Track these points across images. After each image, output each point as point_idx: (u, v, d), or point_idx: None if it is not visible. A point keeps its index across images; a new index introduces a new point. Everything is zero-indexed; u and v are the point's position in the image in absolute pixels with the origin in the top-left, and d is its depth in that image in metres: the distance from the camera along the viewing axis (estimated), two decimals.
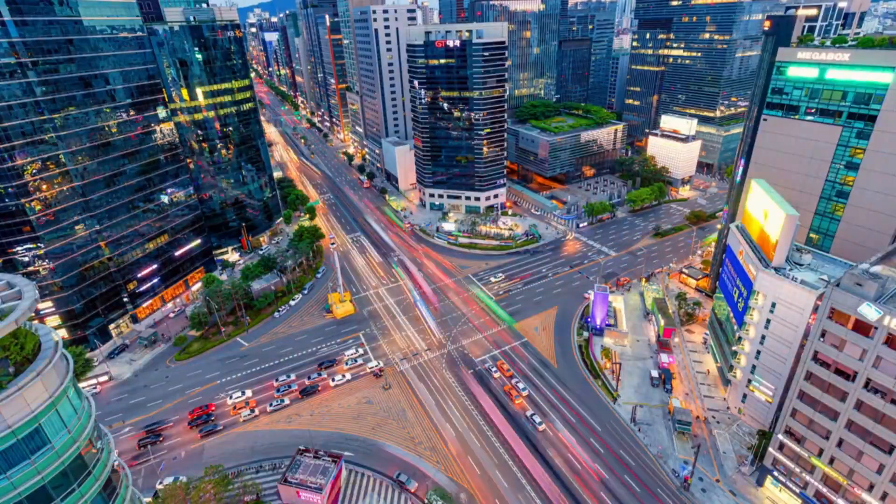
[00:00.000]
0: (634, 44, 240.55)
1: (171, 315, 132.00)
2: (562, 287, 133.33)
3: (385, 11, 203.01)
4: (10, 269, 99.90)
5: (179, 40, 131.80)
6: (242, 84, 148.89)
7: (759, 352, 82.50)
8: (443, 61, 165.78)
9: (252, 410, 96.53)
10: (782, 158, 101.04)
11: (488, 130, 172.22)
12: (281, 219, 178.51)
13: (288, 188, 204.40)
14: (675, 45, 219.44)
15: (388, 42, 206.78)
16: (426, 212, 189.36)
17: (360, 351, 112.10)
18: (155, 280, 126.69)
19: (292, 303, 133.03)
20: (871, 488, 62.11)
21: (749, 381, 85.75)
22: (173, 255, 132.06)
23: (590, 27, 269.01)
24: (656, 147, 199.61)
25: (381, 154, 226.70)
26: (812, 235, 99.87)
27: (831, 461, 66.13)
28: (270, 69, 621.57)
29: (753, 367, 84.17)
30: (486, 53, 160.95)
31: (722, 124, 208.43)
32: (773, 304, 77.81)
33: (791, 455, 71.71)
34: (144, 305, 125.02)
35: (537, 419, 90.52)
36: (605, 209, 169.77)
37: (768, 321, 79.28)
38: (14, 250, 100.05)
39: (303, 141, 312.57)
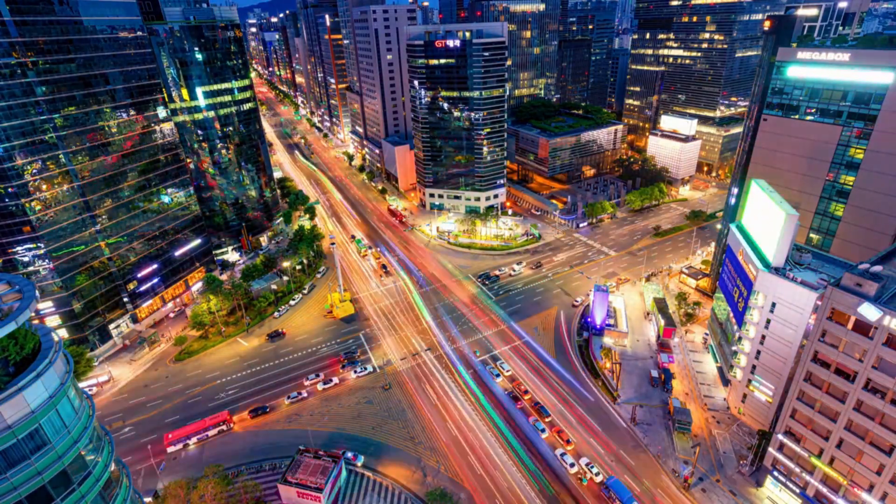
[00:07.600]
0: (634, 44, 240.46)
1: (171, 315, 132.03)
2: (561, 287, 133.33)
3: (385, 11, 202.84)
4: (11, 269, 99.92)
5: (179, 40, 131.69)
6: (242, 84, 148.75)
7: (759, 352, 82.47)
8: (443, 61, 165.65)
9: None
10: (782, 158, 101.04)
11: (488, 130, 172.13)
12: (281, 219, 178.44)
13: (288, 188, 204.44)
14: (674, 45, 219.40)
15: (388, 42, 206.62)
16: (426, 212, 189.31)
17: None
18: (155, 280, 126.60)
19: (292, 303, 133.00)
20: (871, 488, 62.11)
21: (749, 381, 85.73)
22: (173, 255, 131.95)
23: (590, 27, 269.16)
24: (656, 147, 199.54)
25: (381, 154, 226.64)
26: (812, 235, 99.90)
27: (831, 461, 66.12)
28: (270, 69, 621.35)
29: (753, 367, 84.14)
30: (486, 53, 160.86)
31: (722, 124, 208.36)
32: (774, 304, 77.75)
33: (791, 455, 71.69)
34: (144, 305, 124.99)
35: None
36: (606, 209, 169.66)
37: (768, 321, 79.24)
38: (14, 250, 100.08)
39: (302, 142, 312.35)
